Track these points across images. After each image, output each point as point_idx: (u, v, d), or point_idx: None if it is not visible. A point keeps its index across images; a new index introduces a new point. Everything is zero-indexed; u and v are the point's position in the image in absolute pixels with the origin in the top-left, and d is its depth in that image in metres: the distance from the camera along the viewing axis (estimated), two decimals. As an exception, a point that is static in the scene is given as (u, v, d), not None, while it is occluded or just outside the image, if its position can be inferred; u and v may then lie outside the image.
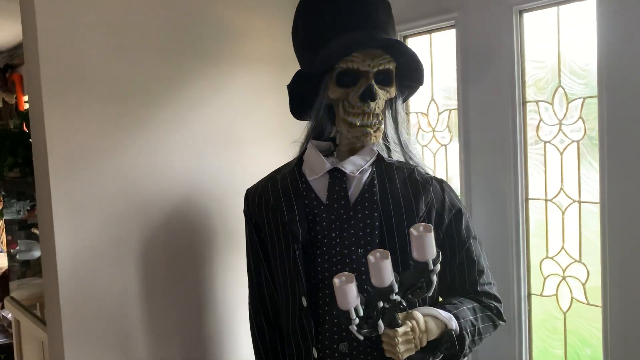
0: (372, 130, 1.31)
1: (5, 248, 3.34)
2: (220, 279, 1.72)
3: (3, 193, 2.98)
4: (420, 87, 1.41)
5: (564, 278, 1.52)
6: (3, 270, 3.60)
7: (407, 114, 1.82)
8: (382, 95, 1.31)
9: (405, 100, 1.45)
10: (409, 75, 1.36)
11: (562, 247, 1.51)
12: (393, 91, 1.35)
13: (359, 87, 1.30)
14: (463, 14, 1.61)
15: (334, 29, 1.33)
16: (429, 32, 1.76)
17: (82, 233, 1.47)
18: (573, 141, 1.48)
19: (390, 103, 1.37)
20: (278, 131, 1.81)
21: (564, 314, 1.53)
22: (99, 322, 1.50)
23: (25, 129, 2.63)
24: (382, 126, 1.33)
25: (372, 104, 1.29)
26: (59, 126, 1.43)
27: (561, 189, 1.51)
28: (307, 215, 1.33)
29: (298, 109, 1.43)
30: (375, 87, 1.29)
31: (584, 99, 1.45)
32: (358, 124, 1.30)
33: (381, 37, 1.30)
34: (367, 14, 1.32)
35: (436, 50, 1.77)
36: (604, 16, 1.34)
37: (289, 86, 1.37)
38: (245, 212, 1.46)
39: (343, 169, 1.34)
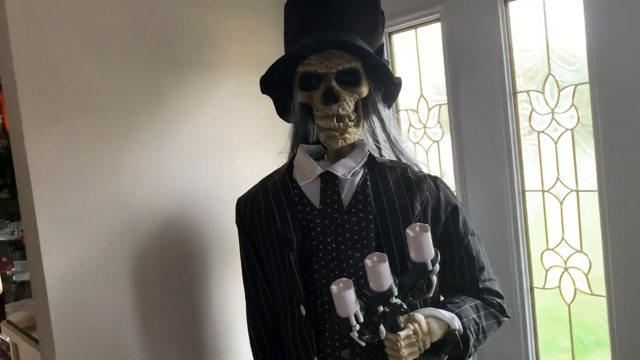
0: (337, 134, 1.28)
1: (-1, 270, 3.30)
2: (216, 291, 1.69)
3: (-6, 214, 2.95)
4: (400, 83, 1.37)
5: (566, 269, 1.49)
6: (-1, 293, 3.55)
7: (397, 111, 1.79)
8: (346, 96, 1.27)
9: (392, 98, 1.41)
10: (379, 72, 1.32)
11: (562, 238, 1.49)
12: (363, 91, 1.31)
13: (320, 90, 1.27)
14: (447, 7, 1.58)
15: (300, 31, 1.33)
16: (414, 27, 1.74)
17: (70, 251, 1.43)
18: (567, 129, 1.45)
19: (371, 102, 1.34)
20: (267, 137, 1.78)
21: (568, 305, 1.50)
22: (93, 342, 1.46)
23: (12, 149, 2.59)
24: (353, 128, 1.30)
25: (335, 106, 1.26)
26: (39, 144, 1.39)
27: (558, 178, 1.48)
28: (300, 222, 1.30)
29: (284, 112, 1.42)
30: (337, 88, 1.26)
31: (575, 86, 1.42)
32: (324, 127, 1.28)
33: (332, 38, 1.27)
34: (331, 13, 1.30)
35: (422, 46, 1.75)
36: (590, 1, 1.31)
37: (262, 92, 1.37)
38: (237, 222, 1.43)
39: (334, 172, 1.31)
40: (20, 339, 2.54)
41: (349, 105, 1.28)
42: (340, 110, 1.27)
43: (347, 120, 1.28)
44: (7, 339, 3.05)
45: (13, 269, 3.01)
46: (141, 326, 1.55)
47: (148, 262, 1.56)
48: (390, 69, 1.34)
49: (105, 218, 1.48)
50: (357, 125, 1.32)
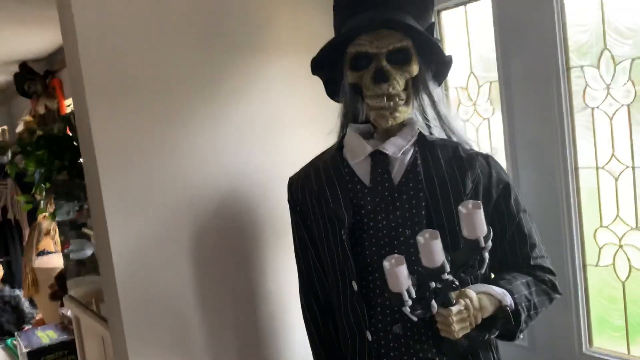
0: (387, 113, 1.29)
1: (60, 248, 3.45)
2: (270, 267, 1.74)
3: (53, 196, 3.07)
4: (450, 61, 1.36)
5: (620, 247, 1.47)
6: (60, 270, 3.73)
7: (447, 89, 1.78)
8: (397, 75, 1.28)
9: (442, 76, 1.41)
10: (430, 50, 1.32)
11: (617, 215, 1.46)
12: (414, 69, 1.31)
13: (371, 70, 1.28)
14: (498, -18, 1.56)
15: (350, 11, 1.33)
16: (464, 3, 1.72)
17: (135, 230, 1.50)
18: (623, 105, 1.42)
19: (421, 80, 1.34)
20: (317, 117, 1.80)
21: (623, 283, 1.48)
22: (157, 316, 1.54)
23: (68, 132, 2.70)
24: (403, 107, 1.30)
25: (385, 86, 1.26)
26: (104, 126, 1.46)
27: (613, 155, 1.46)
28: (351, 200, 1.33)
29: (334, 93, 1.43)
30: (387, 67, 1.27)
31: (633, 60, 1.39)
32: (375, 106, 1.29)
33: (383, 17, 1.27)
34: None
35: (472, 22, 1.72)
36: (649, -29, 1.28)
37: (313, 73, 1.38)
38: (289, 200, 1.47)
39: (384, 150, 1.32)
40: (81, 312, 2.68)
41: (399, 84, 1.29)
42: (391, 90, 1.27)
43: (397, 99, 1.29)
44: (69, 313, 3.21)
45: (70, 248, 3.14)
46: (200, 298, 1.62)
47: (206, 238, 1.62)
48: (441, 47, 1.34)
49: (166, 195, 1.55)
50: (407, 104, 1.32)
